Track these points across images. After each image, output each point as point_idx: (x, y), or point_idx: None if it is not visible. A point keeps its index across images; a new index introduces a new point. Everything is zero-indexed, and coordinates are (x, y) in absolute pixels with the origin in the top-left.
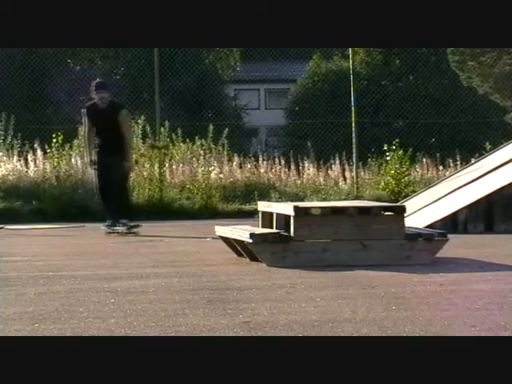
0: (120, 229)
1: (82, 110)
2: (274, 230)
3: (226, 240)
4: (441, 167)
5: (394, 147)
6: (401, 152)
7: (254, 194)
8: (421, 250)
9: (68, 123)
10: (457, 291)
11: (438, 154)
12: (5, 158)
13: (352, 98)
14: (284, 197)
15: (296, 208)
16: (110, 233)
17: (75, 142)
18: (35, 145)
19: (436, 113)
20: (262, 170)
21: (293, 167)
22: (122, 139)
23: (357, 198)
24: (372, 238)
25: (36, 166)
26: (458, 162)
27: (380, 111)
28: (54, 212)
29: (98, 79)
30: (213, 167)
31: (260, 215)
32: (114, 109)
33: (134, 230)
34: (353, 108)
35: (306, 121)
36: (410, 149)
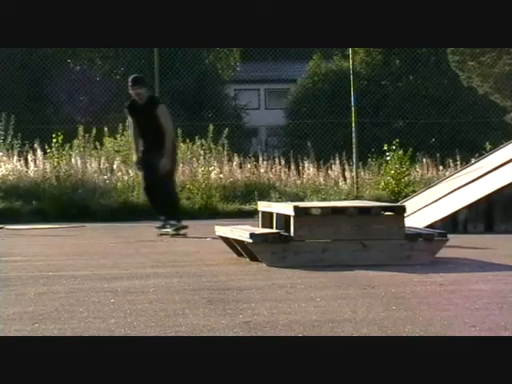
0: (169, 230)
1: (125, 110)
2: (274, 230)
3: (226, 240)
4: (441, 167)
5: (394, 147)
6: (401, 152)
7: (254, 194)
8: (421, 250)
9: (68, 123)
10: (457, 291)
11: (438, 154)
12: (5, 158)
13: (352, 98)
14: (284, 197)
15: (296, 208)
16: (161, 234)
17: (75, 141)
18: (35, 145)
19: (436, 113)
20: (262, 170)
21: (293, 167)
22: (163, 136)
23: (357, 197)
24: (372, 238)
25: (36, 166)
26: (458, 162)
27: (380, 111)
28: (54, 212)
29: (133, 74)
30: (213, 167)
31: (260, 215)
32: (153, 104)
33: (182, 231)
34: (353, 108)
35: (306, 121)
36: (410, 149)
